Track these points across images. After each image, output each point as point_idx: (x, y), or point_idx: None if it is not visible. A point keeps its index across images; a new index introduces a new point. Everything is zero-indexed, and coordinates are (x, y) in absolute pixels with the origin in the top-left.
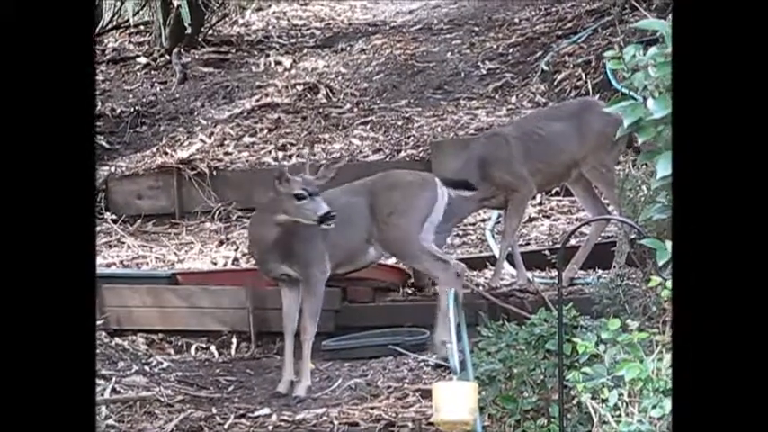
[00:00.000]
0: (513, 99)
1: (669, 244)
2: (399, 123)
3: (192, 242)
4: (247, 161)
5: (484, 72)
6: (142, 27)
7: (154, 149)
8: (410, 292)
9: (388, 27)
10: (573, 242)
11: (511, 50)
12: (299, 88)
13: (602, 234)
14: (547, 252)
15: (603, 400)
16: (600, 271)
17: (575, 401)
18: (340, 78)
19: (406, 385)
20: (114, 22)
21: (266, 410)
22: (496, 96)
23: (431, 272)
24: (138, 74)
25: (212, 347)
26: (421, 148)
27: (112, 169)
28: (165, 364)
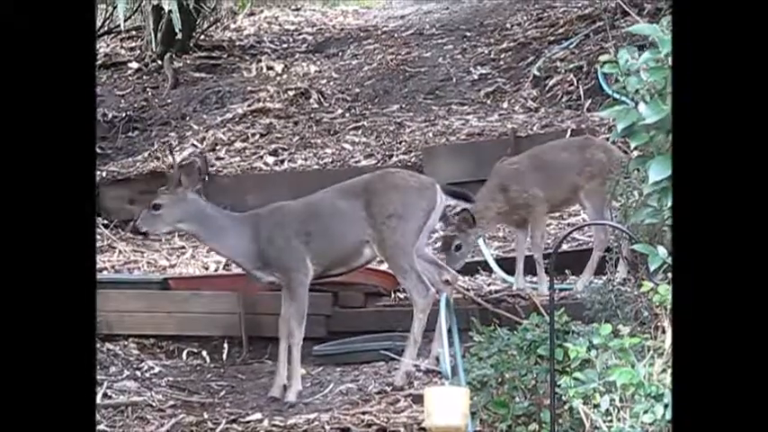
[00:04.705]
0: (505, 104)
1: (661, 249)
2: (391, 128)
3: (184, 247)
4: (239, 166)
5: (476, 77)
6: (134, 32)
7: (145, 154)
8: (401, 297)
9: (379, 32)
10: (565, 247)
11: (503, 56)
12: (291, 93)
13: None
14: None
15: (595, 406)
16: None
17: (566, 407)
18: (332, 83)
19: (397, 390)
20: (106, 28)
21: (258, 415)
22: (488, 101)
23: (410, 291)
24: (130, 79)
25: (204, 352)
26: (412, 154)
27: (104, 174)
28: (157, 369)
